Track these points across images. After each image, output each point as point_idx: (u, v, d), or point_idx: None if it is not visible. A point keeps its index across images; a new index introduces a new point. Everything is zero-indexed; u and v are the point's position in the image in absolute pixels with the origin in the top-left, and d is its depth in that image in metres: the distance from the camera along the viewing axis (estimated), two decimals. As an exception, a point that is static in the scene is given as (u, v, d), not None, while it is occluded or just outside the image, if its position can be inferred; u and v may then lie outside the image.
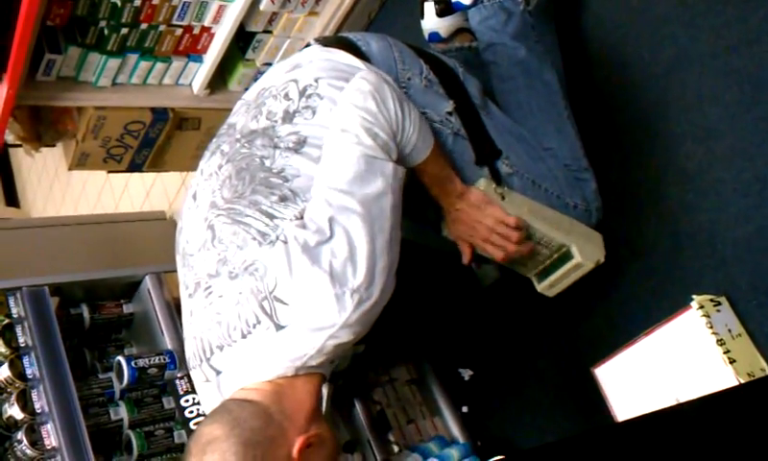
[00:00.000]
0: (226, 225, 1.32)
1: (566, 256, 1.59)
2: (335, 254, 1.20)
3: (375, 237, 1.23)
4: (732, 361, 1.49)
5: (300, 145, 1.33)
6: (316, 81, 1.38)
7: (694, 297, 1.56)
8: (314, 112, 1.35)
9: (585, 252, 1.59)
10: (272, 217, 1.26)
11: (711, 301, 1.55)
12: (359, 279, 1.20)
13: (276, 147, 1.34)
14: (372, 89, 1.31)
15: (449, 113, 1.53)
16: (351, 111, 1.29)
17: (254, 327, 1.25)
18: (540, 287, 1.66)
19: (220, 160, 1.42)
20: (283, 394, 1.25)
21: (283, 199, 1.28)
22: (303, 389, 1.27)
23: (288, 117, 1.37)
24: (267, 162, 1.33)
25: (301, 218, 1.25)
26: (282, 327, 1.22)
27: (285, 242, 1.23)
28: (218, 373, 1.33)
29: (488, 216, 1.51)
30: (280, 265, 1.22)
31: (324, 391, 1.41)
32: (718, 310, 1.55)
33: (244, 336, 1.27)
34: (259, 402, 1.24)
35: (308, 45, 1.56)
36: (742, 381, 1.47)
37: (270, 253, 1.24)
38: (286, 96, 1.40)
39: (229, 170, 1.38)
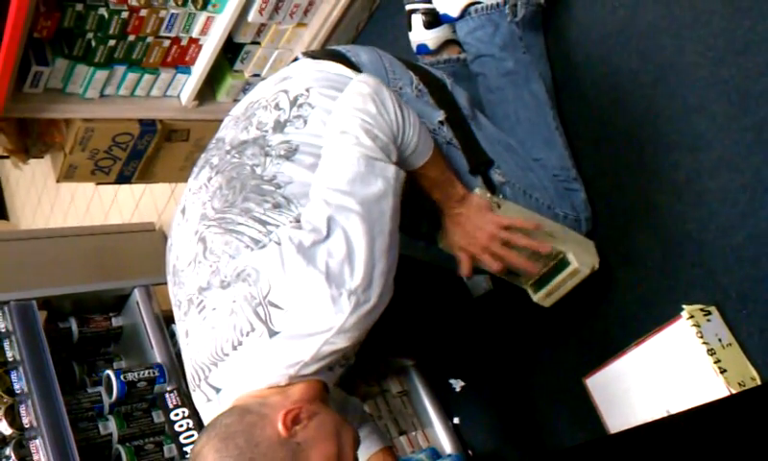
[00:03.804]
0: (217, 235, 1.28)
1: (563, 264, 1.58)
2: (332, 255, 1.16)
3: (375, 239, 1.18)
4: (722, 371, 1.49)
5: (291, 153, 1.30)
6: (307, 90, 1.37)
7: (684, 306, 1.56)
8: (305, 122, 1.33)
9: (581, 258, 1.58)
10: (265, 224, 1.23)
11: (701, 310, 1.55)
12: (356, 280, 1.15)
13: (267, 155, 1.32)
14: (372, 92, 1.29)
15: (441, 123, 1.53)
16: (351, 113, 1.27)
17: (247, 335, 1.20)
18: (537, 297, 1.64)
19: (209, 173, 1.39)
20: (269, 396, 1.20)
21: (276, 206, 1.24)
22: (294, 390, 1.20)
23: (279, 127, 1.35)
24: (258, 170, 1.31)
25: (297, 221, 1.21)
26: (276, 333, 1.17)
27: (279, 243, 1.19)
28: (218, 390, 1.28)
29: (489, 222, 1.49)
30: (274, 267, 1.18)
31: None
32: (708, 320, 1.55)
33: (235, 348, 1.22)
34: (237, 405, 1.20)
35: (296, 59, 1.56)
36: (733, 391, 1.47)
37: (262, 255, 1.20)
38: (277, 106, 1.38)
39: (219, 181, 1.35)
